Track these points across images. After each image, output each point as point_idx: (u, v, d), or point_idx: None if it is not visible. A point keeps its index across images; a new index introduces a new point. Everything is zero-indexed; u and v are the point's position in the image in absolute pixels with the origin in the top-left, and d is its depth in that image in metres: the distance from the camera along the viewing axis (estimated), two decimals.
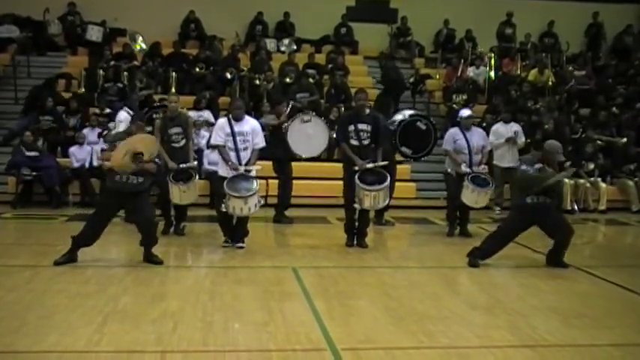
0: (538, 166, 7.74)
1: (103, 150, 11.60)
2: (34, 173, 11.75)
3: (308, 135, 10.42)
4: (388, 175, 8.59)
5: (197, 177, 9.36)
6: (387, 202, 8.86)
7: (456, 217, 9.94)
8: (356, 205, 8.53)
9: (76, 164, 12.09)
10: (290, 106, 11.05)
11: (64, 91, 14.74)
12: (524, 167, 7.83)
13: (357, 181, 8.39)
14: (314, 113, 11.01)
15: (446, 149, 9.86)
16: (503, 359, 4.93)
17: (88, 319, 5.51)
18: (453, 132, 9.89)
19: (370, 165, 8.49)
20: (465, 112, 10.05)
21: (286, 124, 10.42)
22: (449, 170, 9.87)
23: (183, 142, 9.26)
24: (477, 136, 9.81)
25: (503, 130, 12.00)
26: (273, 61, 16.37)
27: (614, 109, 15.45)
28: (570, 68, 17.04)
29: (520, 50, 17.76)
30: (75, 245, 7.40)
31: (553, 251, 7.93)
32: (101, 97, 14.03)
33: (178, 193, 9.03)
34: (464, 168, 9.52)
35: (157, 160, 7.53)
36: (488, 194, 9.64)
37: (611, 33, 19.14)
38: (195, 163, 9.65)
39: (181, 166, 9.06)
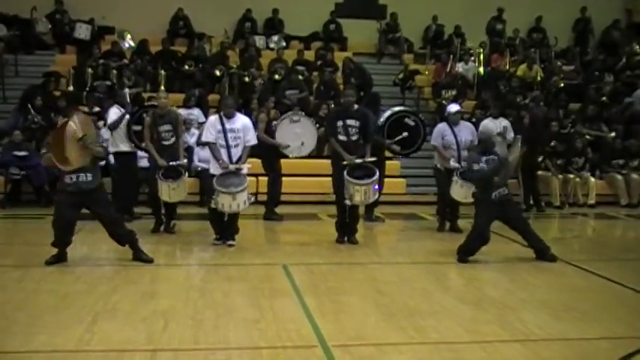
0: (485, 158, 7.84)
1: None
2: (22, 172, 11.68)
3: (296, 135, 10.41)
4: (376, 169, 8.61)
5: (187, 174, 9.35)
6: (377, 196, 8.87)
7: (446, 212, 9.98)
8: (347, 202, 8.53)
9: None
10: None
11: (52, 90, 14.64)
12: (477, 167, 7.86)
13: (346, 176, 8.40)
14: (303, 113, 11.00)
15: (434, 145, 9.89)
16: (494, 353, 4.95)
17: (79, 318, 5.50)
18: (442, 127, 9.91)
19: (359, 160, 8.50)
20: (453, 108, 10.08)
21: (275, 123, 10.41)
22: (438, 165, 9.89)
23: (172, 139, 9.24)
24: (465, 131, 9.82)
25: (493, 125, 11.97)
26: (262, 58, 16.37)
27: (603, 98, 15.52)
28: (559, 63, 17.10)
29: (509, 45, 17.81)
30: (58, 249, 7.36)
31: (535, 248, 7.99)
32: (90, 96, 13.96)
33: (167, 191, 9.01)
34: (452, 163, 9.56)
35: (103, 143, 7.31)
36: None
37: (599, 28, 19.21)
38: (185, 160, 9.63)
39: (171, 163, 9.05)
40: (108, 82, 14.49)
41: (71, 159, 7.14)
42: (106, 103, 12.79)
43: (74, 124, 7.19)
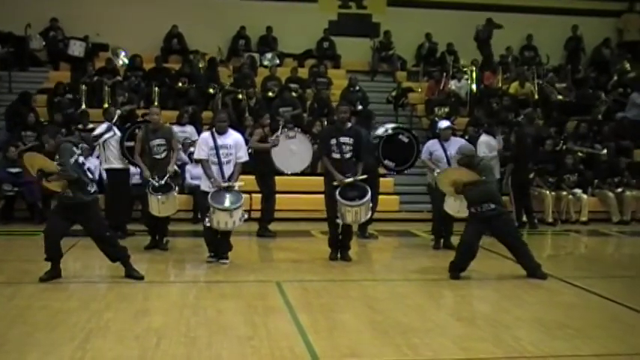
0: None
1: None
2: (15, 189, 11.65)
3: (291, 151, 10.42)
4: (369, 189, 8.62)
5: (177, 189, 9.28)
6: (368, 215, 8.88)
7: (442, 230, 9.97)
8: (338, 221, 8.54)
9: None
10: (281, 124, 11.04)
11: (45, 107, 14.64)
12: None
13: (337, 197, 8.40)
14: (299, 129, 11.03)
15: (423, 159, 9.94)
16: None
17: (71, 335, 5.47)
18: (431, 144, 10.00)
19: (350, 179, 8.51)
20: (443, 124, 10.20)
21: (271, 139, 10.42)
22: (432, 182, 9.91)
23: (164, 154, 9.22)
24: (455, 146, 9.82)
25: (494, 142, 12.01)
26: (256, 76, 16.40)
27: (599, 116, 15.64)
28: (547, 81, 17.21)
29: (501, 63, 17.92)
30: (53, 263, 7.34)
31: (524, 266, 8.00)
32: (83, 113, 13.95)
33: (157, 205, 8.96)
34: (436, 173, 9.59)
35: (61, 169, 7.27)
36: None
37: (590, 46, 19.38)
38: (176, 167, 9.59)
39: (159, 182, 8.98)
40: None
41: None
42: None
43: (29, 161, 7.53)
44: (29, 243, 10.09)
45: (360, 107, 14.56)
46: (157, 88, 15.07)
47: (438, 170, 9.60)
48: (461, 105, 16.25)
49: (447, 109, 15.45)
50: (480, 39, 18.28)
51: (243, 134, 9.49)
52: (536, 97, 16.15)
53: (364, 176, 8.66)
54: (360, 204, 8.45)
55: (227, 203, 8.13)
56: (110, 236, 7.63)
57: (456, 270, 7.86)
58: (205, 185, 8.45)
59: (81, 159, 7.41)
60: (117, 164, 10.11)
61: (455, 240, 9.83)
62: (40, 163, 7.30)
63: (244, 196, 8.48)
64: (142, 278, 7.46)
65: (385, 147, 10.01)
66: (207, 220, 8.24)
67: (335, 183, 8.47)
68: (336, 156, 8.63)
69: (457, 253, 8.07)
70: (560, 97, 16.06)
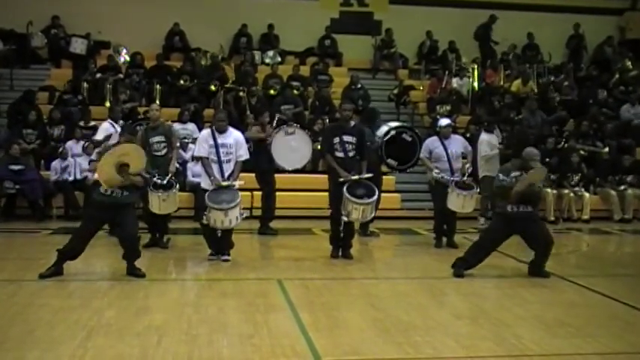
0: (515, 174, 7.72)
1: (91, 161, 11.42)
2: (17, 187, 11.65)
3: (291, 147, 10.42)
4: (376, 189, 8.61)
5: (177, 186, 9.26)
6: (373, 214, 8.88)
7: (443, 229, 9.95)
8: (344, 218, 8.52)
9: (54, 177, 11.97)
10: (276, 118, 11.09)
11: (47, 104, 14.64)
12: (501, 177, 7.81)
13: (346, 194, 8.38)
14: (298, 125, 11.03)
15: (420, 157, 9.93)
16: None
17: (72, 333, 5.47)
18: (430, 141, 9.97)
19: (355, 177, 8.50)
20: (444, 122, 10.18)
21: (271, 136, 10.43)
22: (432, 181, 9.91)
23: (165, 150, 9.20)
24: (456, 143, 9.85)
25: (495, 140, 11.99)
26: (258, 73, 16.41)
27: (604, 109, 15.62)
28: (552, 78, 17.20)
29: (503, 61, 17.91)
30: (60, 258, 7.35)
31: (534, 261, 7.97)
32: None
33: (157, 202, 8.93)
34: (434, 174, 9.60)
35: (144, 173, 7.44)
36: (474, 198, 9.66)
37: (592, 44, 19.35)
38: (177, 166, 9.57)
39: (158, 180, 8.97)
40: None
41: (101, 175, 7.27)
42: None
43: (127, 150, 7.39)
44: (30, 241, 10.12)
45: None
46: (158, 86, 15.10)
47: (436, 170, 9.62)
48: (462, 103, 16.27)
49: (448, 107, 15.46)
50: (477, 36, 18.29)
51: (243, 133, 9.47)
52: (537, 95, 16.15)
53: (369, 174, 8.66)
54: (368, 202, 8.45)
55: (223, 203, 8.10)
56: (136, 241, 7.66)
57: (461, 267, 7.84)
58: (206, 183, 8.45)
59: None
60: None
61: (458, 239, 9.86)
62: (135, 163, 7.28)
63: (244, 194, 8.46)
64: (143, 276, 7.46)
65: (388, 146, 9.99)
66: (204, 218, 8.24)
67: (341, 179, 8.46)
68: (340, 154, 8.62)
69: (470, 249, 8.06)
70: (557, 104, 16.00)
